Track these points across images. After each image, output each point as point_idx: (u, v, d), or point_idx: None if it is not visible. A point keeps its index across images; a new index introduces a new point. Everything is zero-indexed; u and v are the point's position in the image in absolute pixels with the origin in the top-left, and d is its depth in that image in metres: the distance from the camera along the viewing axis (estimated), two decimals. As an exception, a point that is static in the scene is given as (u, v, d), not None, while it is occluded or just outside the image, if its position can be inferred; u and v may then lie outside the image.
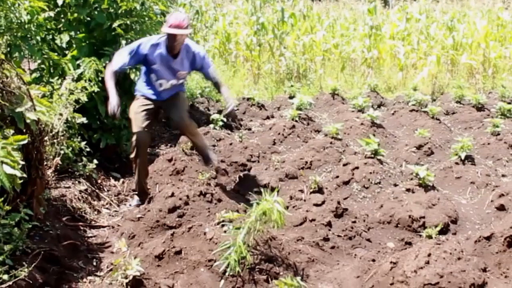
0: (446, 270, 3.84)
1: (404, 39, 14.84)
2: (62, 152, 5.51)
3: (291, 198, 5.49)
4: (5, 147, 3.31)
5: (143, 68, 5.72)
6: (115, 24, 6.43)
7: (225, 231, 4.24)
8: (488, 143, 7.99)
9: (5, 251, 3.51)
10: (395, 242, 5.16)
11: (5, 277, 3.38)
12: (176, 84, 5.74)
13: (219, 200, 5.55)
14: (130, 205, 5.93)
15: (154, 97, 5.67)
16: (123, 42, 6.57)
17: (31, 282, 3.66)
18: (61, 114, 5.52)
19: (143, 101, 5.63)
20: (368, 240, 5.14)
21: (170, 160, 6.41)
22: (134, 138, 5.52)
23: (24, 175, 3.42)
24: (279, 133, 8.60)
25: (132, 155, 5.60)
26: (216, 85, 5.98)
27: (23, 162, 3.46)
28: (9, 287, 3.41)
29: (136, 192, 5.91)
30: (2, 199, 3.54)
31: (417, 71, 13.81)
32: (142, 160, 5.63)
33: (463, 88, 11.52)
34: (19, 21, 5.64)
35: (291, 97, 11.35)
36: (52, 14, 6.60)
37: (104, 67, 6.01)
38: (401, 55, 13.64)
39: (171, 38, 5.38)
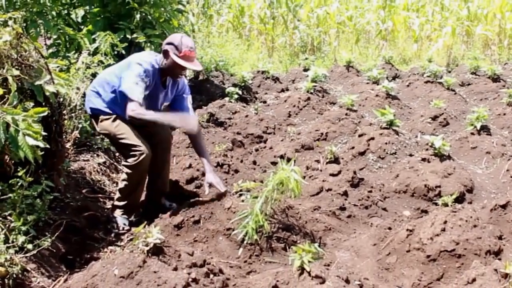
0: (462, 237, 3.87)
1: (418, 10, 14.73)
2: (80, 125, 5.57)
3: (307, 168, 5.52)
4: (26, 120, 3.36)
5: (111, 86, 4.62)
6: (129, -2, 6.46)
7: (242, 201, 4.28)
8: (504, 114, 7.96)
9: (28, 222, 3.57)
10: (411, 211, 5.19)
11: (29, 246, 3.45)
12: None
13: (236, 171, 5.60)
14: (122, 228, 4.75)
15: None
16: (137, 16, 6.59)
17: (54, 251, 3.76)
18: (78, 88, 5.57)
19: (121, 120, 4.63)
20: (384, 209, 5.17)
21: (186, 133, 6.45)
22: (139, 157, 4.53)
23: (47, 146, 3.47)
24: (294, 106, 8.61)
25: (132, 171, 4.61)
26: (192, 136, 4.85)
27: (45, 133, 3.51)
28: (33, 256, 3.49)
29: (122, 208, 4.81)
30: (24, 170, 3.59)
31: (432, 42, 13.72)
32: (145, 175, 4.83)
33: (479, 60, 11.44)
34: (34, -4, 5.67)
35: (305, 70, 11.34)
36: (67, -12, 6.63)
37: (120, 41, 6.02)
38: (415, 26, 13.55)
39: (177, 68, 4.54)
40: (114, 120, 4.62)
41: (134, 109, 4.32)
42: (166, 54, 4.49)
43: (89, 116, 4.86)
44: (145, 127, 4.70)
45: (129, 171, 4.61)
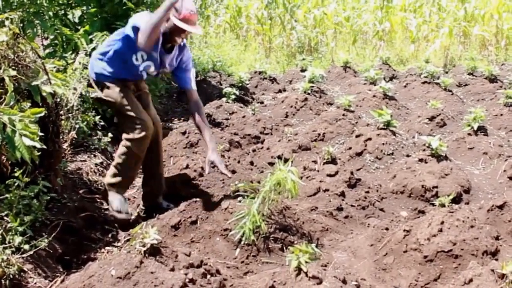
0: (459, 237, 3.88)
1: (415, 11, 14.75)
2: (77, 126, 5.55)
3: (304, 168, 5.52)
4: (23, 120, 3.35)
5: (117, 46, 4.55)
6: (125, -2, 6.45)
7: (239, 201, 4.28)
8: (501, 114, 7.97)
9: (25, 222, 3.57)
10: (408, 212, 5.20)
11: (26, 247, 3.45)
12: (152, 72, 4.73)
13: (233, 172, 5.58)
14: (115, 210, 4.70)
15: (132, 77, 4.73)
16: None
17: (51, 252, 3.74)
18: (75, 89, 5.56)
19: (124, 85, 4.66)
20: (381, 209, 5.18)
21: (183, 133, 6.45)
22: (142, 130, 4.53)
23: (44, 147, 3.46)
24: (291, 106, 8.62)
25: (135, 147, 4.57)
26: (194, 106, 4.76)
27: (42, 134, 3.51)
28: (30, 257, 3.49)
29: (116, 185, 4.75)
30: (21, 171, 3.59)
31: (429, 43, 13.74)
32: (143, 154, 4.72)
33: (476, 60, 11.47)
34: (31, -4, 5.66)
35: (302, 71, 11.35)
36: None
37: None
38: (413, 27, 13.56)
39: (177, 31, 4.39)
40: (121, 90, 4.58)
41: (143, 34, 4.14)
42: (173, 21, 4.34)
43: (92, 81, 4.72)
44: None
45: (129, 144, 4.56)
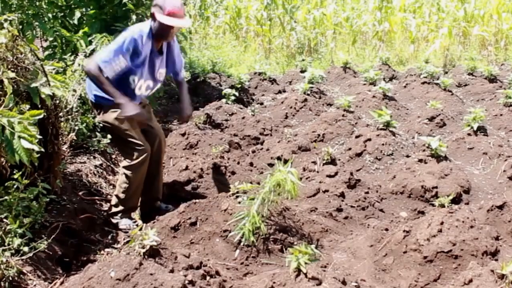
0: (458, 238, 3.88)
1: (415, 11, 14.74)
2: (76, 128, 5.55)
3: (304, 169, 5.52)
4: (22, 122, 3.35)
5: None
6: (125, -1, 6.45)
7: (239, 202, 4.28)
8: (501, 114, 7.97)
9: (24, 224, 3.57)
10: (408, 212, 5.20)
11: (26, 249, 3.45)
12: (150, 87, 4.73)
13: (233, 173, 5.60)
14: (131, 228, 4.69)
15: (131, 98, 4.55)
16: (134, 17, 6.58)
17: (50, 254, 3.74)
18: (74, 90, 5.56)
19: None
20: (381, 210, 5.18)
21: (183, 135, 6.45)
22: (141, 155, 4.58)
23: (42, 149, 3.46)
24: (291, 107, 8.62)
25: (134, 173, 4.62)
26: (179, 83, 5.03)
27: (40, 136, 3.51)
28: (29, 259, 3.49)
29: (122, 212, 4.82)
30: (20, 173, 3.59)
31: (428, 43, 13.73)
32: (144, 176, 4.78)
33: (475, 60, 11.46)
34: (30, -2, 5.66)
35: (302, 71, 11.35)
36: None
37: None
38: (412, 27, 13.55)
39: (165, 29, 4.40)
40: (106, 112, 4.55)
41: (91, 67, 4.25)
42: (153, 16, 4.40)
43: (91, 103, 4.72)
44: (143, 130, 4.70)
45: (129, 173, 4.61)
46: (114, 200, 4.80)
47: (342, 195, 5.10)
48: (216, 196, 4.50)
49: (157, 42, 4.57)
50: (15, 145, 3.27)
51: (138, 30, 4.40)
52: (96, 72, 4.23)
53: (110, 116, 4.54)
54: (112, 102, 4.44)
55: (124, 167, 4.67)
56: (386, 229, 4.41)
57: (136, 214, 4.97)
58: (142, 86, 4.59)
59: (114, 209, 4.80)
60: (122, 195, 4.72)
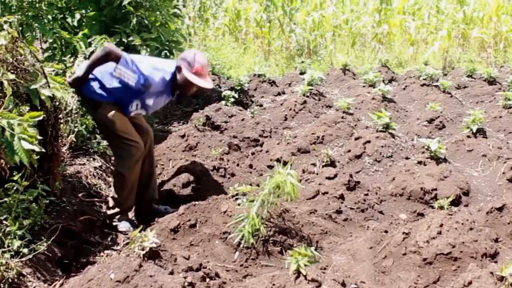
0: (458, 240, 3.88)
1: (414, 13, 14.77)
2: (76, 129, 5.55)
3: (303, 171, 5.52)
4: (21, 124, 3.35)
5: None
6: (125, 2, 6.44)
7: (239, 204, 4.28)
8: (500, 116, 7.98)
9: (24, 226, 3.57)
10: (407, 214, 5.19)
11: (25, 250, 3.45)
12: (139, 113, 4.76)
13: (232, 175, 5.60)
14: (126, 232, 4.71)
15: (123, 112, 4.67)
16: (133, 19, 6.58)
17: (50, 255, 3.74)
18: (74, 92, 5.55)
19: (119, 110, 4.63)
20: (381, 212, 5.18)
21: (182, 136, 6.44)
22: (134, 151, 4.61)
23: (43, 150, 3.46)
24: (290, 109, 8.61)
25: (128, 171, 4.65)
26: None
27: (40, 137, 3.51)
28: (29, 261, 3.49)
29: (120, 214, 4.83)
30: (20, 175, 3.59)
31: (428, 46, 13.75)
32: (137, 175, 4.81)
33: (475, 62, 11.48)
34: (30, 0, 5.65)
35: (301, 73, 11.34)
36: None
37: (116, 44, 6.01)
38: (411, 30, 13.58)
39: (189, 86, 4.58)
40: (116, 110, 4.56)
41: (116, 49, 4.33)
42: (179, 69, 4.53)
43: (86, 99, 4.68)
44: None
45: (122, 171, 4.64)
46: (111, 203, 4.81)
47: (341, 197, 5.10)
48: (215, 198, 4.50)
49: (174, 88, 4.68)
50: (15, 146, 3.27)
51: (166, 72, 4.53)
52: (117, 51, 4.28)
53: (106, 111, 4.53)
54: (110, 99, 4.53)
55: (118, 166, 4.71)
56: (386, 231, 4.41)
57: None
58: (137, 108, 4.66)
59: (112, 211, 4.80)
60: (118, 196, 4.73)
